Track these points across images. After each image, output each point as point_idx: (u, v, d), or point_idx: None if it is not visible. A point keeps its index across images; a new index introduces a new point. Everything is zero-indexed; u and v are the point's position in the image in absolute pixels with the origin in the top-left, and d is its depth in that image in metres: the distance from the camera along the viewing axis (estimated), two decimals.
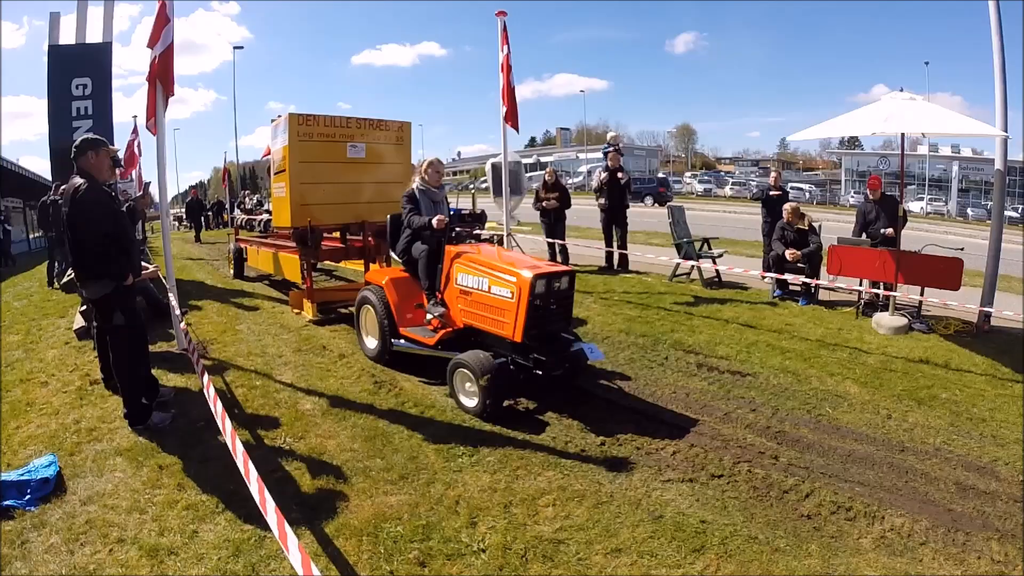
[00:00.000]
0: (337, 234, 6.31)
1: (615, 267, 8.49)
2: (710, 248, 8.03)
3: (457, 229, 4.32)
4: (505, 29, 6.81)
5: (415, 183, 4.49)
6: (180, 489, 2.76)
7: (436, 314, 4.03)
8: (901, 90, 6.37)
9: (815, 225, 7.01)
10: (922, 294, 6.03)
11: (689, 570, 2.26)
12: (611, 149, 8.76)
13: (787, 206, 7.01)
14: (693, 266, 7.66)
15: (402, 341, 4.28)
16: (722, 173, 47.13)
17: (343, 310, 6.03)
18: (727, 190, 37.57)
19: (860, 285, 6.37)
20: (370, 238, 5.93)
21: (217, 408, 2.50)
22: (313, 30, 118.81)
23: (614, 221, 8.37)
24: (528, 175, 17.27)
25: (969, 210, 32.11)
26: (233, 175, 28.46)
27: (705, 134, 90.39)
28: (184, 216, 23.44)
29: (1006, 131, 6.20)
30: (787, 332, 5.58)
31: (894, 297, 5.87)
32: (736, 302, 6.65)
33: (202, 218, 19.63)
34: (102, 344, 3.69)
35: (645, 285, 7.61)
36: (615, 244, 8.44)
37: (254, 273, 8.61)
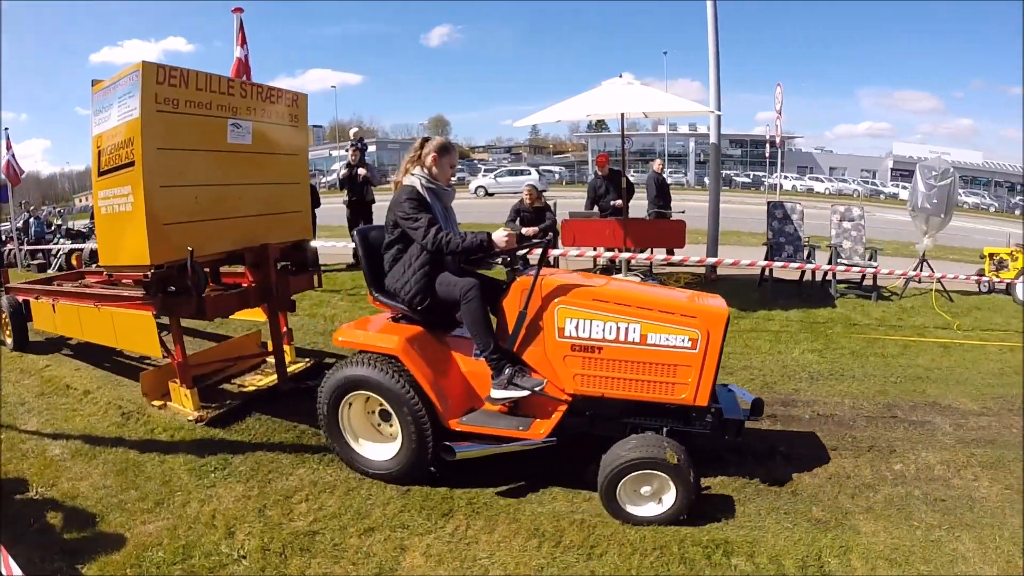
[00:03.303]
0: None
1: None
2: None
3: (522, 248, 3.21)
4: (242, 27, 6.31)
5: (415, 177, 3.15)
6: None
7: (530, 388, 2.89)
8: (620, 76, 7.14)
9: (550, 203, 8.10)
10: (651, 254, 7.80)
11: (440, 533, 2.64)
12: (353, 146, 8.88)
13: (524, 188, 8.18)
14: None
15: (469, 445, 2.98)
16: (476, 161, 51.72)
17: (230, 388, 4.28)
18: (480, 178, 41.09)
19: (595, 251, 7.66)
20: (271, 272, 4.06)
21: None
22: (43, 26, 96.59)
23: (360, 217, 8.56)
24: None
25: (706, 179, 42.35)
26: None
27: (459, 124, 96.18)
28: None
29: (719, 109, 7.72)
30: None
31: (626, 260, 7.18)
32: None
33: None
34: None
35: None
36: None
37: (44, 337, 5.87)
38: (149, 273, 3.36)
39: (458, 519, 2.74)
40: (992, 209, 38.84)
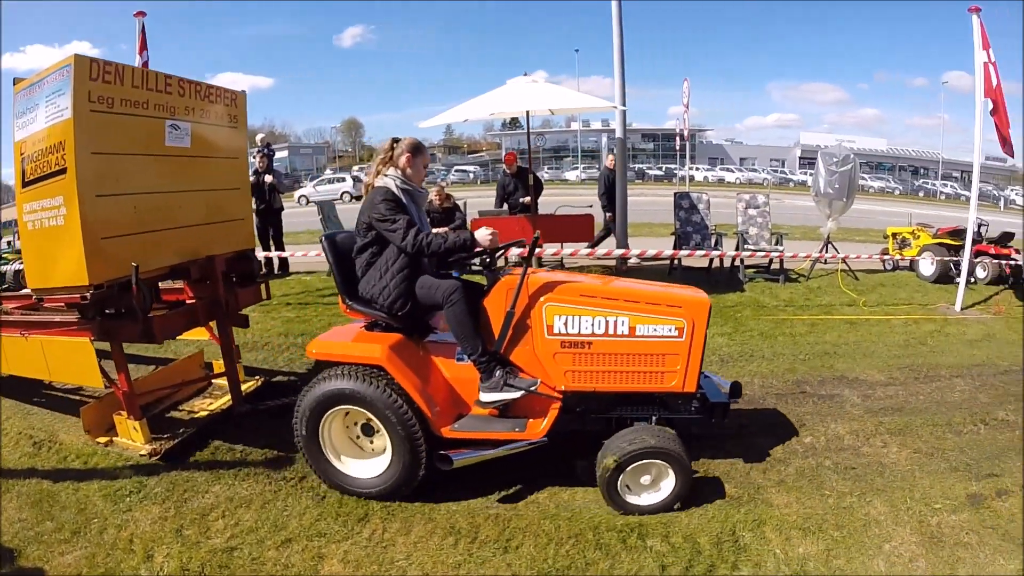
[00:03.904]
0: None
1: (275, 270, 8.65)
2: None
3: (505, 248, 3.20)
4: (144, 31, 6.12)
5: (389, 178, 3.05)
6: None
7: (525, 388, 2.88)
8: (525, 74, 7.36)
9: (459, 203, 8.31)
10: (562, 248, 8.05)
11: (357, 539, 2.68)
12: (260, 152, 8.80)
13: (432, 189, 8.23)
14: None
15: (465, 452, 2.92)
16: None
17: (179, 415, 3.95)
18: None
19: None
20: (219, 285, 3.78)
21: None
22: None
23: (269, 225, 8.57)
24: None
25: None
26: None
27: (373, 126, 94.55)
28: None
29: (624, 105, 7.98)
30: None
31: (536, 257, 7.36)
32: None
33: None
34: None
35: (304, 285, 8.13)
36: (272, 247, 8.64)
37: None
38: (87, 294, 3.00)
39: (374, 523, 2.79)
40: (897, 192, 42.74)
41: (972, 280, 8.70)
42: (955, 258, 8.31)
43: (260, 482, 3.15)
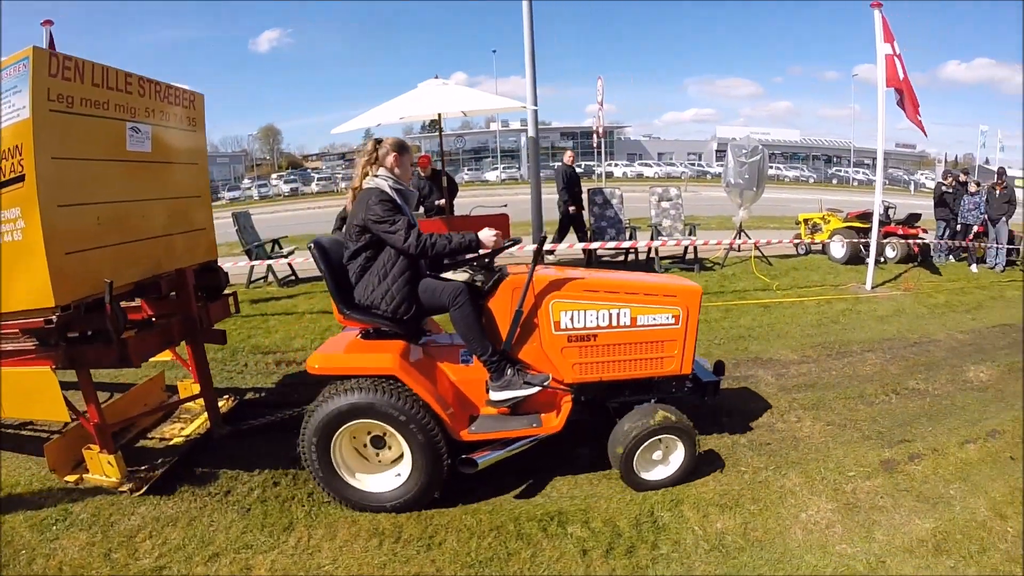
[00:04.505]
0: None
1: None
2: (280, 248, 8.87)
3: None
4: (52, 41, 5.82)
5: (381, 179, 2.99)
6: None
7: (540, 384, 2.92)
8: (436, 77, 7.55)
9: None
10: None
11: (284, 548, 2.70)
12: None
13: (347, 196, 8.26)
14: (268, 268, 8.51)
15: (488, 453, 2.93)
16: (309, 171, 50.32)
17: (150, 444, 3.64)
18: (313, 187, 41.03)
19: None
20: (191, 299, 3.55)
21: None
22: None
23: None
24: None
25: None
26: None
27: (291, 132, 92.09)
28: None
29: (535, 105, 8.13)
30: None
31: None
32: (311, 294, 7.58)
33: None
34: None
35: (242, 295, 8.41)
36: None
37: None
38: (53, 317, 2.67)
39: (299, 531, 2.80)
40: (811, 180, 45.53)
41: (882, 260, 9.47)
42: (864, 240, 8.84)
43: (185, 500, 3.08)
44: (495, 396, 2.95)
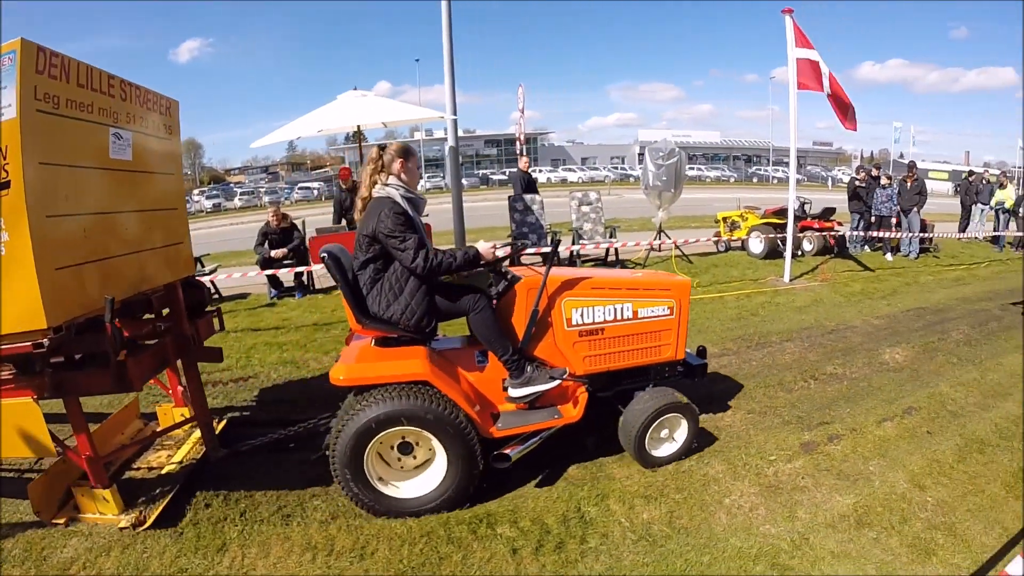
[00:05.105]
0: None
1: None
2: (203, 266, 8.69)
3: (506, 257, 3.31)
4: None
5: (392, 188, 2.94)
6: None
7: (560, 377, 3.07)
8: (355, 88, 7.80)
9: (296, 223, 8.41)
10: None
11: (219, 569, 2.68)
12: None
13: (269, 209, 8.37)
14: None
15: (516, 448, 3.04)
16: (231, 185, 48.45)
17: (137, 475, 3.40)
18: (236, 201, 40.27)
19: None
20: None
21: None
22: None
23: None
24: None
25: (464, 180, 43.11)
26: None
27: (213, 146, 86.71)
28: None
29: (455, 114, 8.14)
30: (285, 327, 6.53)
31: None
32: (235, 312, 7.44)
33: None
34: None
35: None
36: None
37: None
38: (44, 341, 2.40)
39: (233, 551, 2.76)
40: (732, 180, 47.93)
41: (800, 253, 10.09)
42: (781, 235, 9.28)
43: (115, 528, 2.91)
44: (516, 393, 3.04)
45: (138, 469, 3.34)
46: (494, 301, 3.13)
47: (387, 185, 2.95)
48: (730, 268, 9.41)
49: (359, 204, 3.02)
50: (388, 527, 2.82)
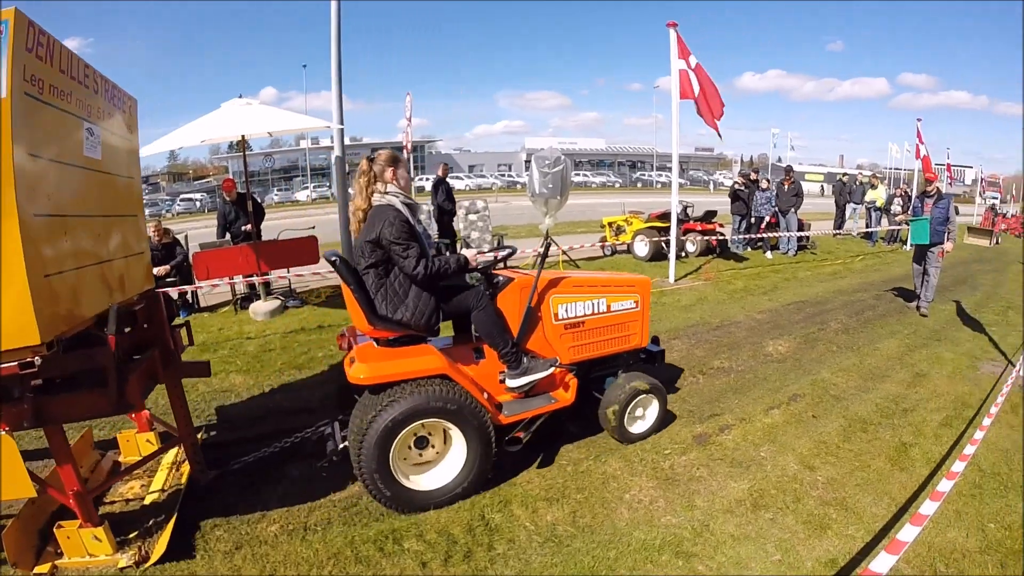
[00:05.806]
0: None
1: None
2: None
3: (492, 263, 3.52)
4: None
5: (391, 196, 3.01)
6: None
7: (552, 366, 3.33)
8: (240, 96, 7.32)
9: (178, 237, 7.79)
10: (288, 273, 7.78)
11: None
12: None
13: (150, 224, 7.70)
14: None
15: (524, 433, 3.29)
16: None
17: (114, 508, 3.04)
18: None
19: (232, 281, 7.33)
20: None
21: None
22: None
23: None
24: None
25: (350, 190, 40.45)
26: None
27: None
28: None
29: (341, 123, 7.93)
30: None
31: (265, 285, 7.17)
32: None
33: None
34: None
35: None
36: None
37: None
38: (35, 359, 2.07)
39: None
40: (617, 185, 48.58)
41: (684, 255, 10.44)
42: (665, 238, 9.51)
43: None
44: (514, 383, 3.23)
45: (113, 503, 2.97)
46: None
47: (387, 193, 3.00)
48: (616, 271, 9.46)
49: (359, 215, 3.04)
50: (294, 551, 2.66)
